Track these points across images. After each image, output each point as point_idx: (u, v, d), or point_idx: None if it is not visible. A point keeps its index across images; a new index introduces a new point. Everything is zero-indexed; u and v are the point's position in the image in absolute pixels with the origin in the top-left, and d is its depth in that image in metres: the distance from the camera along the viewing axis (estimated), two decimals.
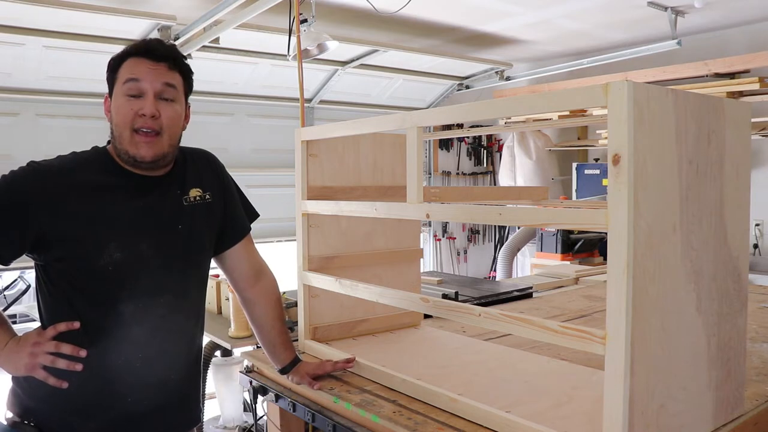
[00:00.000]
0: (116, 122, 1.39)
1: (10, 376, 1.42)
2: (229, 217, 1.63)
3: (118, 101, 1.38)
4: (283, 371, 1.77)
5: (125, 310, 1.39)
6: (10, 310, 5.51)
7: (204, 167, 1.60)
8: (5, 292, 4.83)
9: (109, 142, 1.47)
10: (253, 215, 1.74)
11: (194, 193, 1.53)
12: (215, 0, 3.40)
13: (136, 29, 3.70)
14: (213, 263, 1.67)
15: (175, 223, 1.47)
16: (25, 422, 1.38)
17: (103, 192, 1.39)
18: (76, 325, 1.36)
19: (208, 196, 1.55)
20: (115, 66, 1.41)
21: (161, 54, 1.40)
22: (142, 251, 1.40)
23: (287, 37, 3.35)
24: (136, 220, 1.41)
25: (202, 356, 2.99)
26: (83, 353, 1.35)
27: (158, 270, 1.43)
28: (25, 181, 1.36)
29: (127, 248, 1.38)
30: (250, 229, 1.71)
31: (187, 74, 1.47)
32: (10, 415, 1.41)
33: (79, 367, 1.35)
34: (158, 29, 3.67)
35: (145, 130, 1.37)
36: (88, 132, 4.23)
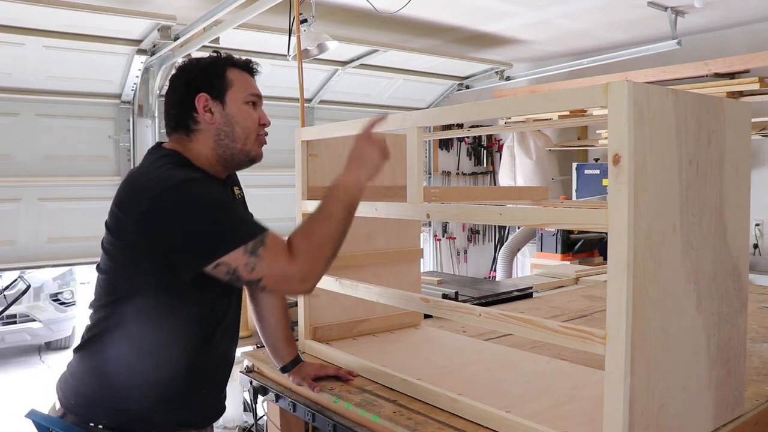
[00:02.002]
0: (244, 125, 1.47)
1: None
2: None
3: (243, 108, 1.47)
4: (284, 369, 1.78)
5: (221, 306, 1.46)
6: (10, 310, 5.51)
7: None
8: (5, 292, 4.83)
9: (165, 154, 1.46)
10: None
11: (236, 191, 1.63)
12: (215, 0, 3.40)
13: (136, 29, 3.70)
14: None
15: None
16: (91, 424, 1.34)
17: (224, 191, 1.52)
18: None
19: (239, 194, 1.66)
20: (219, 71, 1.47)
21: (256, 71, 1.56)
22: None
23: (287, 37, 3.36)
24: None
25: None
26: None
27: None
28: (211, 185, 1.40)
29: None
30: None
31: None
32: (69, 416, 1.36)
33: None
34: (158, 29, 3.67)
35: (263, 134, 1.52)
36: (88, 132, 4.23)
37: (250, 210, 1.69)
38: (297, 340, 2.15)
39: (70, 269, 6.88)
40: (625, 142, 1.11)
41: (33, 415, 1.38)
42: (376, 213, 1.76)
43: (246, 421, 3.40)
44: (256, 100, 1.52)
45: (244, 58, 1.55)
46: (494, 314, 1.42)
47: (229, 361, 1.55)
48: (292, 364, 1.77)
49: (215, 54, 1.54)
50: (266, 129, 1.55)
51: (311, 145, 2.04)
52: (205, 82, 1.46)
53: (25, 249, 4.12)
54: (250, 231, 1.29)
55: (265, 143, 1.55)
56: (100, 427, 1.33)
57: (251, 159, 1.52)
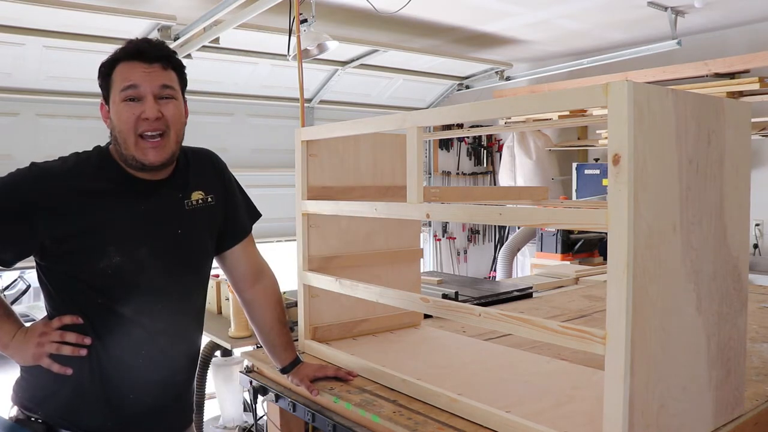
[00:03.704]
0: (120, 129, 1.38)
1: (14, 373, 1.43)
2: (230, 219, 1.63)
3: (118, 107, 1.38)
4: (284, 371, 1.77)
5: (126, 312, 1.40)
6: None
7: (207, 168, 1.60)
8: (5, 292, 4.83)
9: (109, 143, 1.47)
10: (256, 215, 1.74)
11: (196, 196, 1.53)
12: (215, 0, 3.40)
13: (136, 29, 3.70)
14: (214, 262, 1.67)
15: (175, 228, 1.48)
16: (32, 418, 1.38)
17: (104, 196, 1.39)
18: (80, 320, 1.37)
19: (210, 199, 1.55)
20: (107, 72, 1.41)
21: (153, 55, 1.39)
22: (141, 256, 1.40)
23: (287, 37, 3.35)
24: (135, 225, 1.41)
25: (200, 357, 2.99)
26: (87, 341, 1.37)
27: (158, 275, 1.43)
28: (28, 183, 1.36)
29: (126, 253, 1.38)
30: (250, 230, 1.71)
31: (180, 70, 1.46)
32: (15, 410, 1.42)
33: (83, 352, 1.36)
34: (158, 29, 3.67)
35: (149, 133, 1.37)
36: (88, 132, 4.22)
37: (239, 212, 1.65)
38: (296, 340, 2.15)
39: None
40: (625, 142, 1.11)
41: None
42: (376, 213, 1.75)
43: (246, 421, 3.40)
44: (132, 94, 1.36)
45: (138, 42, 1.40)
46: (494, 314, 1.42)
47: (135, 370, 1.42)
48: (291, 366, 1.76)
49: (113, 51, 1.41)
50: (154, 122, 1.36)
51: (311, 145, 2.04)
52: (101, 87, 1.44)
53: None
54: None
55: (156, 143, 1.37)
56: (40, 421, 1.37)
57: (141, 164, 1.39)
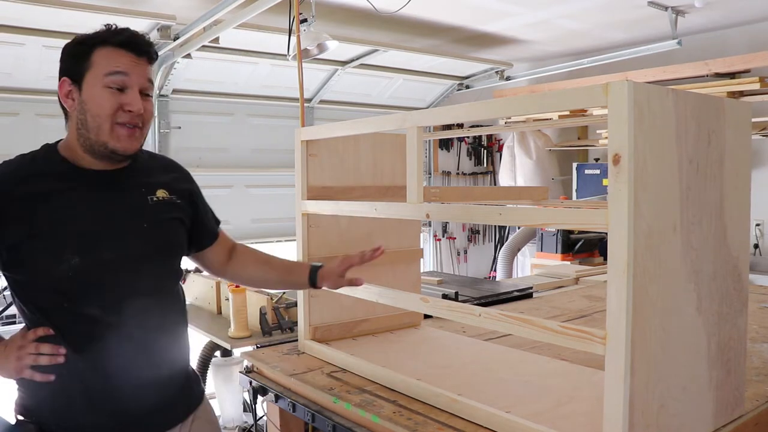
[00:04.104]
0: (94, 113, 1.33)
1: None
2: (201, 222, 1.59)
3: (98, 91, 1.33)
4: (313, 284, 1.65)
5: (96, 313, 1.34)
6: (10, 310, 5.50)
7: (172, 173, 1.56)
8: (5, 292, 4.83)
9: (59, 140, 1.43)
10: (218, 221, 1.70)
11: (161, 193, 1.47)
12: (215, 0, 3.40)
13: (136, 29, 3.69)
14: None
15: (140, 221, 1.41)
16: (27, 421, 1.38)
17: (56, 196, 1.33)
18: (51, 331, 1.33)
19: (175, 198, 1.50)
20: (84, 52, 1.36)
21: (144, 49, 1.37)
22: (102, 253, 1.34)
23: (287, 36, 3.35)
24: (94, 221, 1.35)
25: (200, 357, 2.97)
26: (62, 350, 1.33)
27: (124, 271, 1.37)
28: None
29: (85, 252, 1.32)
30: (218, 231, 1.68)
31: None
32: (19, 418, 1.41)
33: (61, 359, 1.33)
34: (158, 29, 3.67)
35: (129, 125, 1.34)
36: None
37: (208, 215, 1.61)
38: (296, 340, 2.15)
39: None
40: (625, 142, 1.11)
41: None
42: (376, 213, 1.75)
43: (246, 422, 3.40)
44: (119, 81, 1.32)
45: (127, 32, 1.36)
46: (494, 314, 1.42)
47: (116, 371, 1.36)
48: (314, 274, 1.64)
49: (92, 33, 1.38)
50: (136, 116, 1.34)
51: (311, 145, 2.04)
52: (68, 64, 1.38)
53: None
54: None
55: (131, 132, 1.35)
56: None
57: (112, 151, 1.34)
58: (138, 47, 1.36)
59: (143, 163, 1.49)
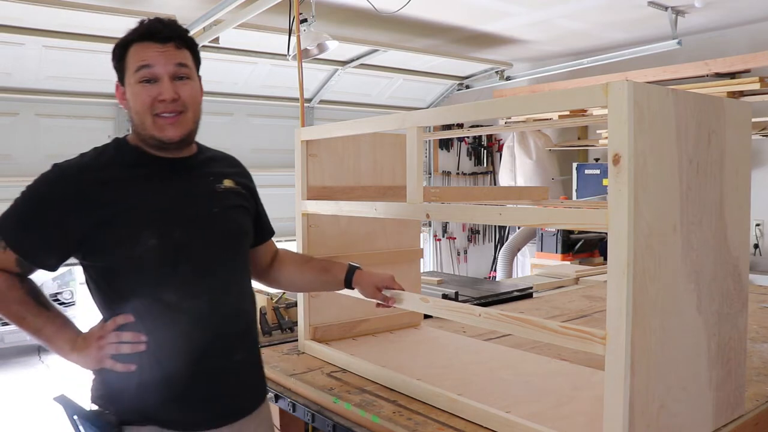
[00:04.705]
0: (136, 109, 1.38)
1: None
2: (260, 217, 1.65)
3: (134, 89, 1.37)
4: (348, 284, 1.69)
5: (171, 299, 1.38)
6: None
7: (237, 168, 1.62)
8: None
9: (126, 134, 1.48)
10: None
11: (228, 183, 1.52)
12: (215, 0, 3.40)
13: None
14: None
15: (210, 207, 1.46)
16: (106, 411, 1.40)
17: (130, 182, 1.38)
18: (131, 318, 1.37)
19: (241, 189, 1.55)
20: (120, 54, 1.40)
21: (167, 35, 1.39)
22: (178, 236, 1.38)
23: (287, 36, 3.35)
24: (167, 205, 1.40)
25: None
26: (143, 338, 1.37)
27: (197, 255, 1.40)
28: (50, 185, 1.37)
29: (162, 234, 1.36)
30: (273, 230, 1.73)
31: (194, 48, 1.46)
32: (95, 407, 1.43)
33: (142, 347, 1.36)
34: None
35: (167, 114, 1.37)
36: (88, 132, 4.24)
37: (264, 213, 1.65)
38: (296, 340, 2.15)
39: (69, 269, 6.87)
40: (625, 142, 1.11)
41: (61, 399, 1.43)
42: (376, 213, 1.75)
43: None
44: (147, 74, 1.36)
45: (148, 23, 1.40)
46: (494, 314, 1.42)
47: (190, 357, 1.38)
48: (350, 274, 1.67)
49: (127, 32, 1.41)
50: (170, 102, 1.36)
51: (311, 145, 2.04)
52: (115, 68, 1.43)
53: None
54: (0, 223, 1.36)
55: (174, 119, 1.38)
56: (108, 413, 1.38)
57: (160, 142, 1.39)
58: (159, 35, 1.38)
59: (209, 155, 1.55)
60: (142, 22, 1.40)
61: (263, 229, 1.67)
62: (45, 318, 1.37)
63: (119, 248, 1.34)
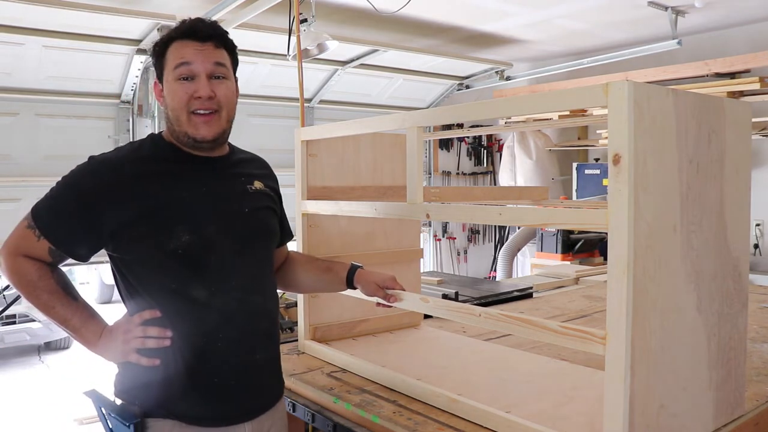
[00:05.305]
0: (172, 106, 1.40)
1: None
2: (283, 219, 1.67)
3: (171, 86, 1.39)
4: (350, 283, 1.69)
5: (199, 296, 1.39)
6: (10, 310, 5.51)
7: (266, 170, 1.64)
8: (5, 293, 4.83)
9: (162, 131, 1.50)
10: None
11: (258, 185, 1.55)
12: (215, 0, 3.40)
13: (136, 29, 3.70)
14: None
15: (242, 206, 1.48)
16: (130, 404, 1.41)
17: (164, 176, 1.40)
18: (158, 314, 1.38)
19: (269, 191, 1.58)
20: (160, 51, 1.42)
21: (206, 34, 1.40)
22: (210, 233, 1.40)
23: (287, 37, 3.35)
24: (201, 202, 1.42)
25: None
26: (169, 333, 1.38)
27: (228, 252, 1.42)
28: (86, 176, 1.39)
29: (195, 231, 1.37)
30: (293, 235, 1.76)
31: (232, 50, 1.48)
32: (119, 401, 1.45)
33: (167, 342, 1.37)
34: (158, 29, 3.66)
35: (202, 111, 1.39)
36: (87, 132, 4.23)
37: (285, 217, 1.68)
38: (296, 340, 2.15)
39: (69, 269, 6.88)
40: (625, 142, 1.11)
41: (91, 394, 1.46)
42: (376, 213, 1.75)
43: None
44: (185, 71, 1.38)
45: (190, 21, 1.41)
46: (494, 314, 1.42)
47: (216, 354, 1.40)
48: (352, 273, 1.68)
49: (169, 30, 1.43)
50: (206, 100, 1.38)
51: (311, 145, 2.04)
52: (155, 66, 1.46)
53: None
54: (35, 212, 1.38)
55: (208, 118, 1.40)
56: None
57: (194, 139, 1.41)
58: (199, 33, 1.39)
59: (241, 156, 1.58)
60: (183, 21, 1.42)
61: (285, 231, 1.70)
62: (73, 309, 1.39)
63: (154, 241, 1.36)
